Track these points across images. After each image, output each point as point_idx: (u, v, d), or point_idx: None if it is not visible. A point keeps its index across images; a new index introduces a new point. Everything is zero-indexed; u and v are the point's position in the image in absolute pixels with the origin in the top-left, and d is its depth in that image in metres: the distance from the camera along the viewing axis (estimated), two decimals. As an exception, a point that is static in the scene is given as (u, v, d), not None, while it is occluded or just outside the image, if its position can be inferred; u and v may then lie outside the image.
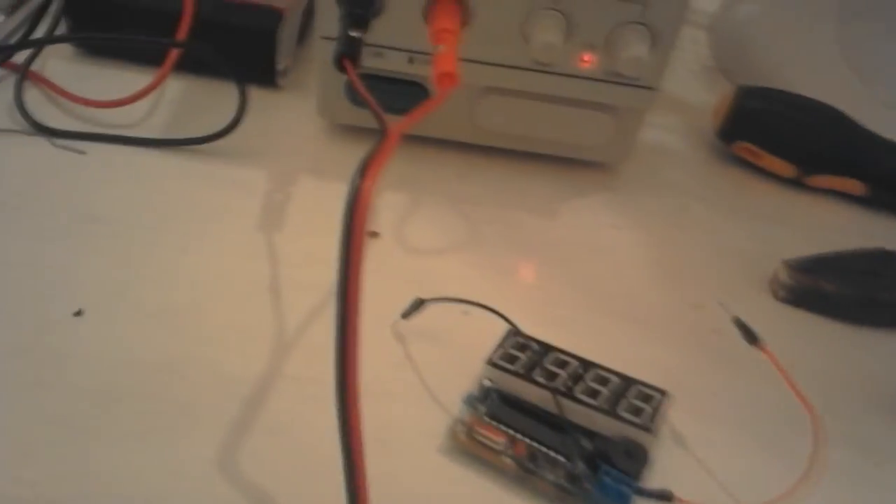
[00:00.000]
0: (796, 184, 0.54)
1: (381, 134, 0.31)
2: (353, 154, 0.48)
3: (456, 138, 0.51)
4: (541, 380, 0.36)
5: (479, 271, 0.44)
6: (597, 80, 0.46)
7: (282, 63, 0.53)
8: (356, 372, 0.27)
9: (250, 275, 0.41)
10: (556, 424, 0.35)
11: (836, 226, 0.52)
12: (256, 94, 0.52)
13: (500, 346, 0.38)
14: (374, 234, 0.45)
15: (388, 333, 0.40)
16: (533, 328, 0.40)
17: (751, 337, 0.35)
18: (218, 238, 0.43)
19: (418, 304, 0.39)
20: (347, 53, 0.39)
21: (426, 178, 0.50)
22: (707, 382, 0.40)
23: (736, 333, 0.40)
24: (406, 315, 0.39)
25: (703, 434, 0.37)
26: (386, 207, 0.47)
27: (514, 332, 0.38)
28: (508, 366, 0.37)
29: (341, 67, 0.39)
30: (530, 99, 0.47)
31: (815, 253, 0.47)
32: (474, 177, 0.50)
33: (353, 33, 0.40)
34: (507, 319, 0.38)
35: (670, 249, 0.48)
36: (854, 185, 0.53)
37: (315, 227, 0.45)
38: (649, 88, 0.46)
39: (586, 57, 0.45)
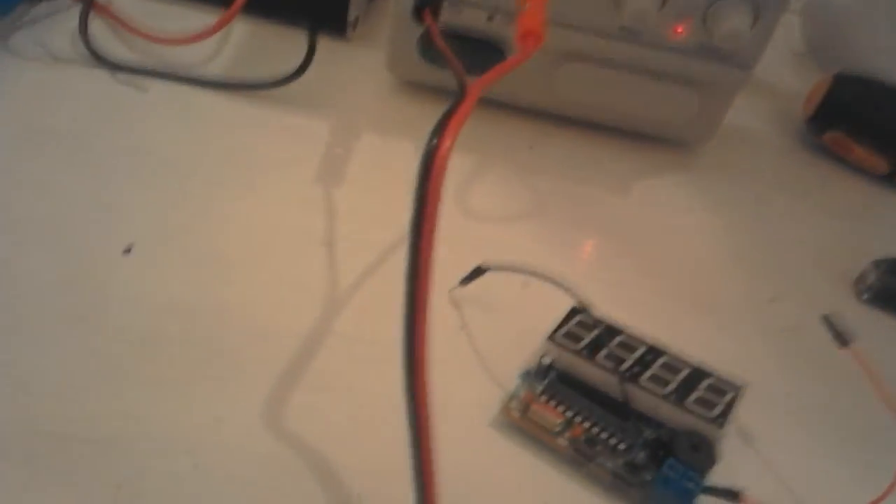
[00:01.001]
0: (889, 180, 0.51)
1: (459, 91, 0.29)
2: (418, 113, 0.47)
3: (531, 105, 0.48)
4: (605, 362, 0.34)
5: (542, 244, 0.42)
6: (688, 53, 0.43)
7: (353, 13, 0.51)
8: (425, 350, 0.25)
9: (305, 228, 0.40)
10: (619, 410, 0.33)
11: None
12: (324, 44, 0.50)
13: (564, 322, 0.35)
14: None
15: (445, 300, 0.38)
16: (597, 307, 0.38)
17: (842, 338, 0.32)
18: (275, 187, 0.41)
19: (479, 272, 0.37)
20: (428, 2, 0.36)
21: (495, 143, 0.47)
22: (782, 380, 0.38)
23: (815, 332, 0.37)
24: (465, 282, 0.37)
25: (775, 434, 0.35)
26: (450, 169, 0.44)
27: (580, 309, 0.36)
28: (571, 344, 0.34)
29: (420, 17, 0.37)
30: (614, 68, 0.45)
31: (906, 256, 0.44)
32: (546, 146, 0.48)
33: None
34: (573, 294, 0.36)
35: (747, 238, 0.45)
36: (951, 187, 0.49)
37: (374, 184, 0.43)
38: (744, 68, 0.43)
39: (679, 28, 0.42)
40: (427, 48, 0.45)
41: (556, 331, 0.35)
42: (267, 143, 0.44)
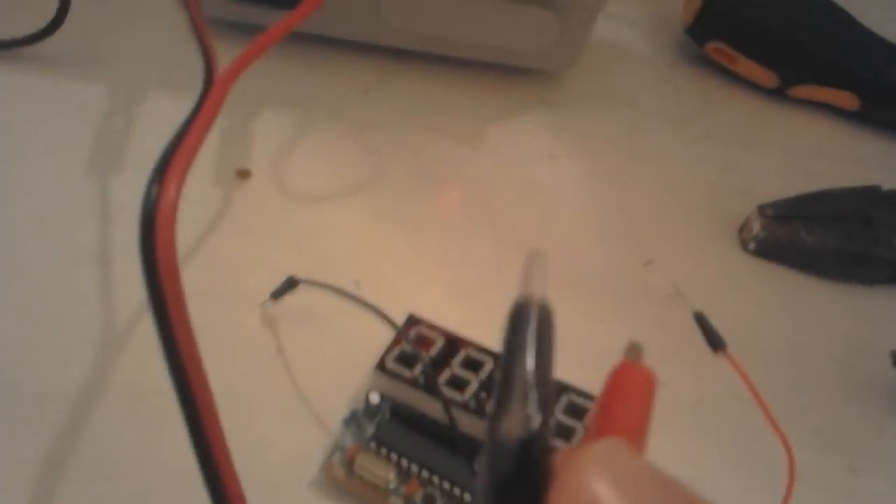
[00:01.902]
0: (777, 94, 0.45)
1: (205, 84, 0.21)
2: (222, 60, 0.38)
3: (359, 39, 0.40)
4: (446, 391, 0.28)
5: (378, 224, 0.35)
6: (537, -32, 0.35)
7: (129, -69, 0.40)
8: (209, 402, 0.19)
9: (74, 238, 0.32)
10: (465, 446, 0.28)
11: (821, 148, 0.43)
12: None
13: (395, 341, 0.29)
14: (245, 174, 0.35)
15: (257, 318, 0.31)
16: (442, 303, 0.32)
17: (714, 341, 0.27)
18: (34, 182, 0.33)
19: (291, 284, 0.30)
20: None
21: (319, 93, 0.39)
22: (657, 370, 0.33)
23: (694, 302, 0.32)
24: (276, 296, 0.30)
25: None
26: (262, 134, 0.37)
27: (413, 320, 0.30)
28: (404, 371, 0.28)
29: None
30: (451, -9, 0.36)
31: (794, 192, 0.39)
32: (381, 90, 0.40)
33: None
34: (390, 322, 0.29)
35: (618, 187, 0.39)
36: (846, 98, 0.44)
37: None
38: (604, -19, 0.36)
39: (523, -62, 0.34)
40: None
41: (385, 355, 0.29)
42: (24, 119, 0.35)
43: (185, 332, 0.19)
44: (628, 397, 0.16)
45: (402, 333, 0.29)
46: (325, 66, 0.40)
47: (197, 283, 0.32)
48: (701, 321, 0.28)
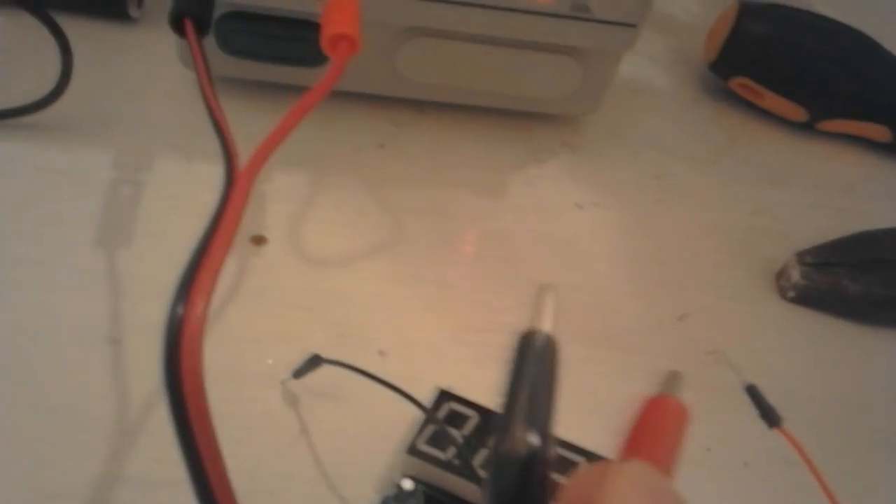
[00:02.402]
0: (806, 128, 0.43)
1: (226, 183, 0.20)
2: (234, 118, 0.36)
3: (374, 91, 0.38)
4: (484, 473, 0.26)
5: (401, 288, 0.33)
6: (559, 16, 0.34)
7: (132, -13, 0.39)
8: None
9: (82, 317, 0.30)
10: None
11: (853, 183, 0.42)
12: (98, 33, 0.39)
13: (426, 421, 0.27)
14: (260, 241, 0.34)
15: (277, 396, 0.29)
16: (472, 372, 0.30)
17: (770, 416, 0.26)
18: (38, 258, 0.31)
19: (315, 363, 0.29)
20: (188, 11, 0.26)
21: (334, 149, 0.37)
22: (701, 435, 0.31)
23: (736, 357, 0.30)
24: (298, 374, 0.29)
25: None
26: (277, 198, 0.35)
27: (445, 395, 0.28)
28: (437, 453, 0.27)
29: (181, 31, 0.26)
30: (469, 42, 0.35)
31: (827, 231, 0.37)
32: (400, 142, 0.38)
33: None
34: (419, 405, 0.28)
35: (648, 234, 0.37)
36: (877, 131, 0.42)
37: (180, 234, 0.33)
38: (629, 26, 0.34)
39: (543, -13, 0.33)
40: (231, 35, 0.34)
41: (416, 438, 0.27)
42: (24, 193, 0.33)
43: (213, 460, 0.17)
44: (660, 427, 0.16)
45: (433, 412, 0.28)
46: (338, 120, 0.38)
47: (213, 361, 0.30)
48: (754, 395, 0.26)
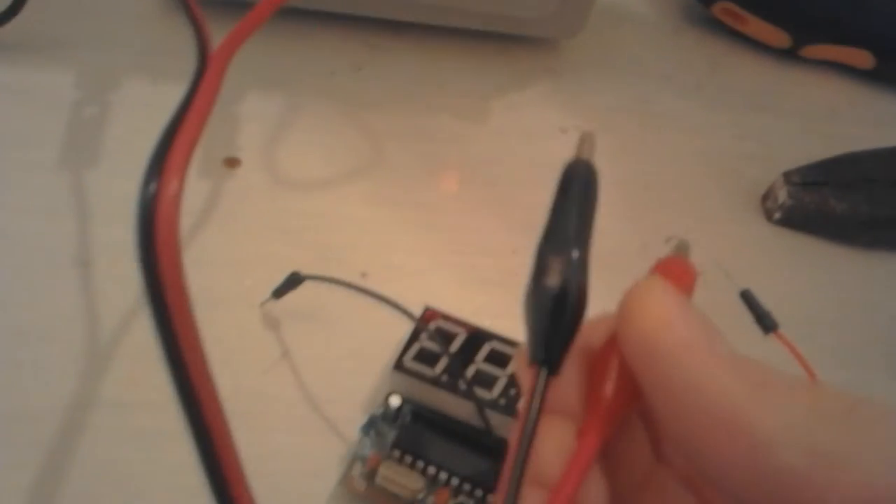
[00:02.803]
0: (789, 55, 0.43)
1: (199, 65, 0.19)
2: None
3: (348, 11, 0.37)
4: (470, 388, 0.25)
5: (382, 210, 0.32)
6: (540, -74, 0.32)
7: None
8: (220, 421, 0.17)
9: (49, 240, 0.29)
10: (497, 449, 0.25)
11: (838, 109, 0.41)
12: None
13: (413, 337, 0.27)
14: (234, 163, 0.32)
15: (257, 319, 0.28)
16: (458, 294, 0.29)
17: (766, 322, 0.25)
18: (1, 182, 0.30)
19: (295, 281, 0.27)
20: None
21: (309, 72, 0.36)
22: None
23: (719, 282, 0.30)
24: (279, 294, 0.28)
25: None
26: (249, 119, 0.34)
27: (430, 313, 0.27)
28: (425, 370, 0.26)
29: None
30: (447, -45, 0.34)
31: (813, 157, 0.36)
32: (378, 65, 0.37)
33: None
34: (408, 314, 0.27)
35: (633, 159, 0.37)
36: (860, 57, 0.42)
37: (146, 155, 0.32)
38: (612, -62, 0.33)
39: None
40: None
41: (403, 354, 0.26)
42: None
43: (192, 345, 0.16)
44: (674, 278, 0.17)
45: (419, 328, 0.27)
46: (312, 42, 0.37)
47: (189, 285, 0.29)
48: (749, 300, 0.25)
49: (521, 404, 0.16)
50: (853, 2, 0.40)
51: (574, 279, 0.16)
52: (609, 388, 0.16)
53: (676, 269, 0.18)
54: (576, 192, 0.18)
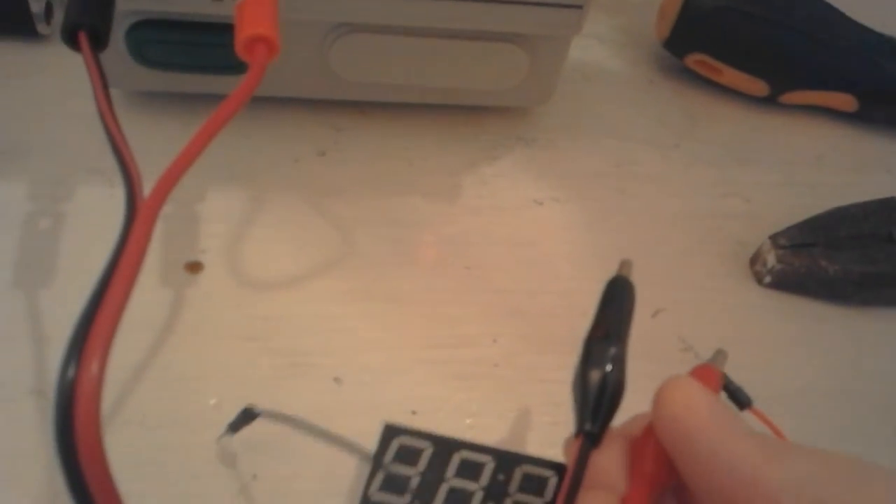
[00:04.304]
0: (768, 102, 0.41)
1: (126, 214, 0.18)
2: (157, 135, 0.34)
3: (310, 95, 0.36)
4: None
5: (354, 306, 0.31)
6: (500, 1, 0.31)
7: (37, 3, 0.36)
8: None
9: (2, 369, 0.27)
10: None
11: (822, 157, 0.40)
12: (5, 54, 0.36)
13: (375, 465, 0.25)
14: (196, 267, 0.31)
15: (212, 456, 0.26)
16: (439, 393, 0.28)
17: (740, 398, 0.24)
18: (-49, 308, 0.28)
19: (249, 417, 0.26)
20: (82, 23, 0.23)
21: (271, 161, 0.35)
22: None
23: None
24: (234, 429, 0.26)
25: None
26: (213, 218, 0.32)
27: (392, 430, 0.26)
28: (394, 499, 0.24)
29: (75, 45, 0.23)
30: (406, 35, 0.32)
31: (800, 210, 0.35)
32: (341, 150, 0.36)
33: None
34: (362, 452, 0.25)
35: (613, 228, 0.35)
36: (842, 100, 0.41)
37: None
38: (575, 7, 0.32)
39: (481, -29, 0.30)
40: (144, 45, 0.32)
41: (368, 486, 0.24)
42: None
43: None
44: (702, 379, 0.20)
45: (381, 453, 0.25)
46: (275, 129, 0.36)
47: (150, 404, 0.28)
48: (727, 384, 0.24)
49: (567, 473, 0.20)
50: (830, 48, 0.39)
51: (615, 369, 0.20)
52: (648, 464, 0.19)
53: (704, 373, 0.22)
54: (617, 301, 0.22)
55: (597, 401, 0.19)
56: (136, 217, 0.17)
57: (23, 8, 0.35)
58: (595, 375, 0.20)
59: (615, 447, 0.20)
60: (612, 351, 0.20)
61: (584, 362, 0.20)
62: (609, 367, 0.20)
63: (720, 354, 0.23)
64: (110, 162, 0.33)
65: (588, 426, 0.19)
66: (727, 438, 0.17)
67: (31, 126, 0.34)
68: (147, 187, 0.21)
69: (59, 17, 0.37)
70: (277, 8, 0.24)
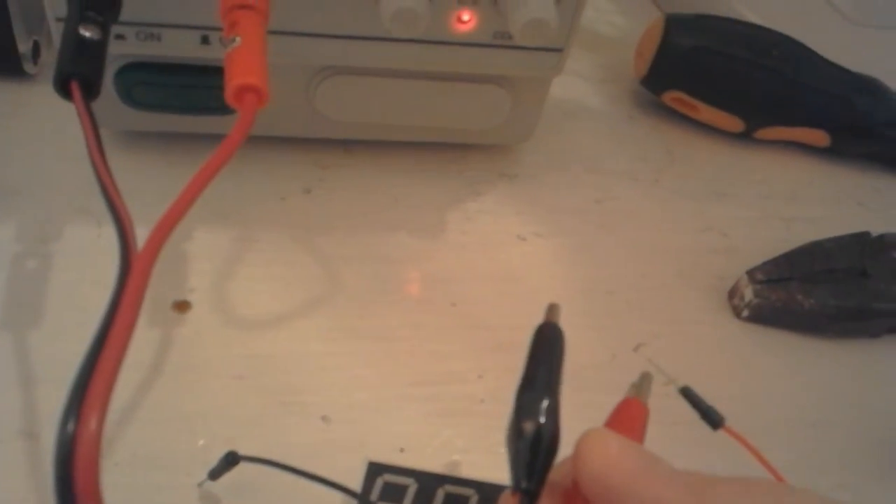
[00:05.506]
0: (744, 138, 0.42)
1: (120, 267, 0.18)
2: (146, 175, 0.34)
3: (296, 134, 0.36)
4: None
5: (342, 344, 0.31)
6: (482, 45, 0.32)
7: (26, 40, 0.36)
8: None
9: (-9, 414, 0.27)
10: None
11: (796, 191, 0.41)
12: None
13: (363, 501, 0.25)
14: (184, 307, 0.31)
15: (198, 501, 0.27)
16: (425, 430, 0.28)
17: (711, 417, 0.24)
18: (-62, 351, 0.28)
19: (231, 462, 0.26)
20: (74, 72, 0.24)
21: (258, 199, 0.35)
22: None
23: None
24: (215, 475, 0.26)
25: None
26: (200, 257, 0.33)
27: (376, 468, 0.26)
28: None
29: (67, 93, 0.24)
30: (390, 77, 0.33)
31: (775, 243, 0.36)
32: (327, 187, 0.36)
33: (87, 33, 0.24)
34: (348, 491, 0.26)
35: (594, 263, 0.36)
36: (816, 136, 0.42)
37: (98, 307, 0.30)
38: (556, 50, 0.33)
39: (465, 16, 0.31)
40: (134, 88, 0.32)
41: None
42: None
43: None
44: (623, 423, 0.21)
45: (367, 491, 0.26)
46: (260, 168, 0.36)
47: (138, 446, 0.28)
48: (689, 396, 0.24)
49: None
50: (803, 86, 0.40)
51: (548, 421, 0.19)
52: None
53: (628, 412, 0.22)
54: (546, 349, 0.22)
55: (532, 455, 0.19)
56: (131, 270, 0.17)
57: (10, 47, 0.35)
58: (528, 428, 0.19)
59: (549, 499, 0.20)
60: (545, 403, 0.19)
61: (517, 416, 0.19)
62: (543, 420, 0.19)
63: (645, 380, 0.23)
64: (98, 202, 0.33)
65: (524, 484, 0.19)
66: (652, 486, 0.18)
67: (18, 165, 0.34)
68: (138, 228, 0.21)
69: (46, 56, 0.38)
70: (266, 56, 0.25)
